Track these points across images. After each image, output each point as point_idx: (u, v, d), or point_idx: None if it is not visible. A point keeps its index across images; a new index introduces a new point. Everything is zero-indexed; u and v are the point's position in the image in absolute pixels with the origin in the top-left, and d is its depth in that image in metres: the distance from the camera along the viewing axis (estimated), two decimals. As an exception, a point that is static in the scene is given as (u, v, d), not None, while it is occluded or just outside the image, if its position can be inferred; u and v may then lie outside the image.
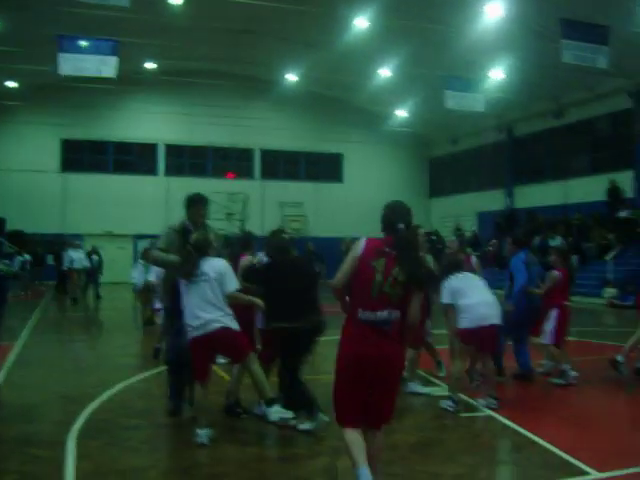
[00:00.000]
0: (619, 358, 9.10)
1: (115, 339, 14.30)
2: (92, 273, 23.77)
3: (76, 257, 23.08)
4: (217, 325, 6.10)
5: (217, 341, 6.15)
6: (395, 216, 4.51)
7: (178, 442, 6.40)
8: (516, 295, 8.78)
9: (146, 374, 9.55)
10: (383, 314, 4.26)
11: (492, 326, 7.32)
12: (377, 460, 4.47)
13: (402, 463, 5.64)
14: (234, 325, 6.22)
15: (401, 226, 4.40)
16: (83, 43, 18.93)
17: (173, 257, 6.67)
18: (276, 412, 6.21)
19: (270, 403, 6.24)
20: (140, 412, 7.32)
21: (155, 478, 5.39)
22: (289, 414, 6.25)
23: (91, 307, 21.84)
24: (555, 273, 8.86)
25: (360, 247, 4.39)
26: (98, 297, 23.46)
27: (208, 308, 6.11)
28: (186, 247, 6.40)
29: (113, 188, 33.03)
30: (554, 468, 5.52)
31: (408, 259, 4.31)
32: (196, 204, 7.04)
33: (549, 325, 8.67)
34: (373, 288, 4.27)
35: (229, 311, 6.24)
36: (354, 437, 4.31)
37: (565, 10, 19.31)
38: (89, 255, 24.12)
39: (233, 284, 6.24)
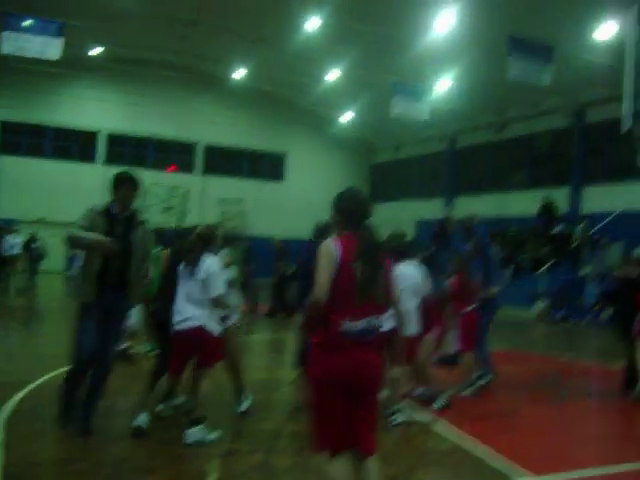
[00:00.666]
0: None
1: (47, 328, 13.96)
2: (35, 260, 23.02)
3: (15, 243, 22.13)
4: (196, 323, 6.00)
5: (192, 339, 6.04)
6: (360, 208, 4.03)
7: (110, 432, 6.26)
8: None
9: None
10: (369, 321, 3.84)
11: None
12: None
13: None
14: (214, 328, 6.12)
15: (368, 222, 3.96)
16: (28, 22, 18.46)
17: (96, 235, 5.90)
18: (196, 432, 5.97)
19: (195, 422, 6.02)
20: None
21: (87, 470, 5.25)
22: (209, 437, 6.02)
23: (25, 296, 21.19)
24: (446, 283, 8.83)
25: (335, 249, 3.80)
26: (32, 286, 22.70)
27: (192, 305, 6.04)
28: (191, 237, 6.23)
29: (50, 174, 32.21)
30: (491, 472, 5.60)
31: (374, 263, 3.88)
32: (124, 184, 6.18)
33: (453, 334, 8.64)
34: (359, 294, 3.79)
35: (215, 312, 6.13)
36: (342, 473, 3.80)
37: (513, 27, 19.71)
38: (28, 242, 23.26)
39: (216, 289, 6.06)
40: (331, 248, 3.81)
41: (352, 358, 3.77)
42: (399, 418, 7.00)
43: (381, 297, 3.89)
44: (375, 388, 3.97)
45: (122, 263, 6.03)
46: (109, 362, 6.23)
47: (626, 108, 7.14)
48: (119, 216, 6.16)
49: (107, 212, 6.15)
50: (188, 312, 6.01)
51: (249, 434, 6.38)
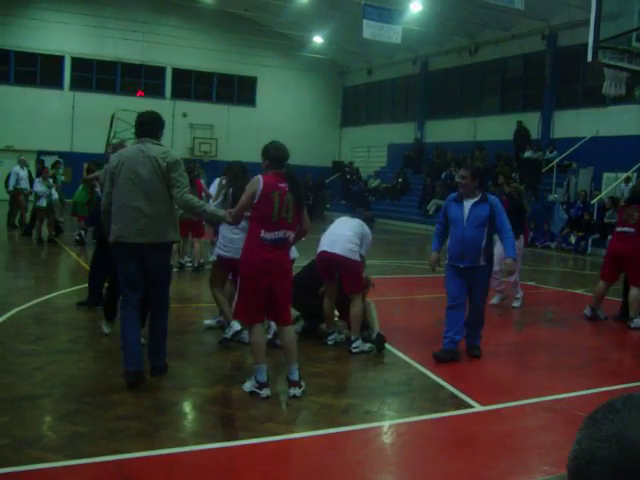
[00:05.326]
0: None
1: (10, 261, 13.86)
2: None
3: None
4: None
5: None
6: (281, 154, 5.61)
7: (73, 369, 6.32)
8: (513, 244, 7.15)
9: (44, 298, 9.34)
10: (281, 233, 5.44)
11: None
12: (291, 351, 5.63)
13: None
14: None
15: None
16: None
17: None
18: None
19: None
20: (35, 338, 7.18)
21: (48, 406, 5.33)
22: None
23: None
24: None
25: (260, 183, 5.41)
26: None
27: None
28: None
29: (14, 100, 31.32)
30: (441, 401, 5.76)
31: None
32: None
33: None
34: (273, 214, 5.38)
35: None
36: (261, 338, 5.58)
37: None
38: None
39: None
40: (256, 182, 5.44)
41: (267, 255, 5.37)
42: (360, 347, 7.17)
43: (290, 218, 5.47)
44: (284, 277, 5.55)
45: None
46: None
47: (590, 39, 7.08)
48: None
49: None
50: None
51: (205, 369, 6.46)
